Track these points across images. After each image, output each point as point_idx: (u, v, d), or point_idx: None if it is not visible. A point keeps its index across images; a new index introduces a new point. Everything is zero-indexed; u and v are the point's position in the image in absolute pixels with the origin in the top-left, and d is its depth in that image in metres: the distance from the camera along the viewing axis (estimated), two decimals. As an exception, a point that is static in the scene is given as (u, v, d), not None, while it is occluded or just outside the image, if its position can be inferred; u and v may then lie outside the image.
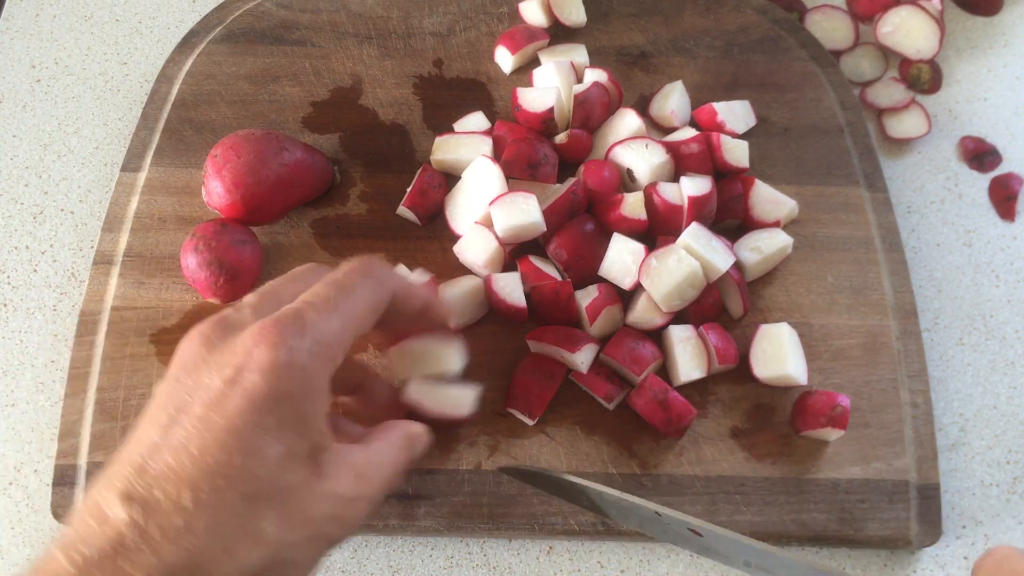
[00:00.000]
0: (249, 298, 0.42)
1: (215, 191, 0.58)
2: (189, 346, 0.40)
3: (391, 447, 0.44)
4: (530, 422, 0.56)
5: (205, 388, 0.37)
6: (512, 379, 0.57)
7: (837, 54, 0.75)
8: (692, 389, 0.57)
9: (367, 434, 0.44)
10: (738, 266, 0.60)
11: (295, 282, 0.44)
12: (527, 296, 0.58)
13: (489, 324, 0.59)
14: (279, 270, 0.61)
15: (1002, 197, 0.69)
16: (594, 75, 0.66)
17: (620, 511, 0.49)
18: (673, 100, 0.66)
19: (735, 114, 0.67)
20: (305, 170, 0.61)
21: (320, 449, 0.39)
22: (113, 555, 0.33)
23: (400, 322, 0.48)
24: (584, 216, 0.60)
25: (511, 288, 0.57)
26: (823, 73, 0.70)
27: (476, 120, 0.67)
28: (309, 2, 0.73)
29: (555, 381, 0.56)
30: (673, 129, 0.66)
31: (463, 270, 0.61)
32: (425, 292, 0.49)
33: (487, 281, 0.58)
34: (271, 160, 0.58)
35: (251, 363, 0.37)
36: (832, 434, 0.55)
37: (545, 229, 0.57)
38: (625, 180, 0.63)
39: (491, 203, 0.57)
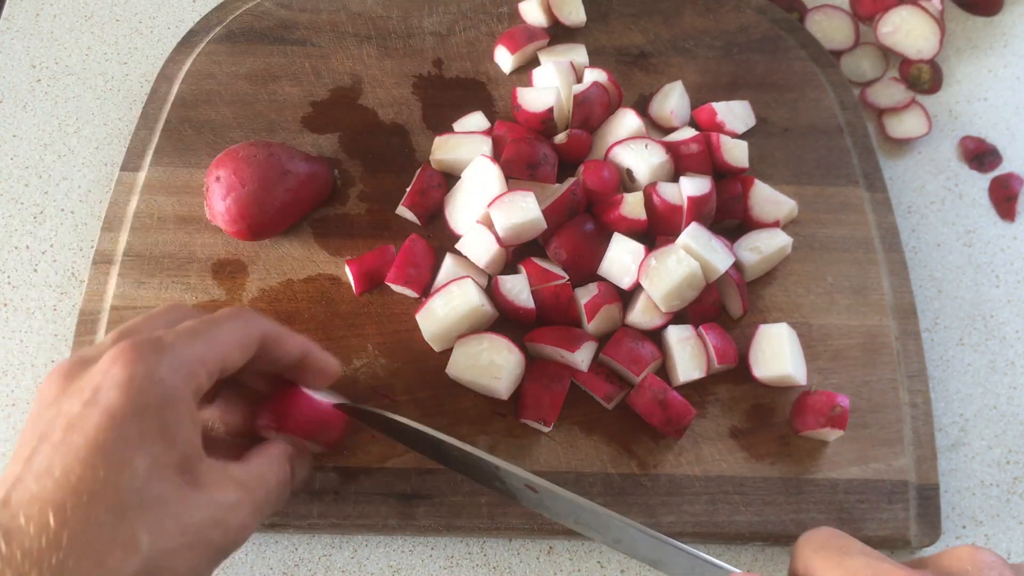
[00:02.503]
0: (109, 335, 0.43)
1: (219, 215, 0.59)
2: (48, 384, 0.40)
3: (271, 461, 0.45)
4: (546, 429, 0.56)
5: (65, 414, 0.37)
6: (520, 389, 0.56)
7: (837, 54, 0.75)
8: (691, 389, 0.57)
9: (245, 454, 0.45)
10: (737, 266, 0.60)
11: (155, 319, 0.44)
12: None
13: (496, 328, 0.59)
14: (279, 270, 0.61)
15: (1002, 197, 0.69)
16: (594, 75, 0.66)
17: (460, 461, 0.49)
18: (673, 100, 0.66)
19: (735, 114, 0.67)
20: (308, 188, 0.61)
21: (193, 460, 0.39)
22: None
23: (278, 368, 0.48)
24: (584, 216, 0.60)
25: (519, 290, 0.57)
26: (823, 73, 0.70)
27: (476, 120, 0.67)
28: (309, 2, 0.73)
29: (563, 384, 0.56)
30: (673, 129, 0.66)
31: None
32: (301, 341, 0.48)
33: (493, 284, 0.58)
34: (276, 187, 0.59)
35: (108, 381, 0.38)
36: (831, 434, 0.55)
37: (545, 226, 0.57)
38: (625, 180, 0.63)
39: (489, 204, 0.57)
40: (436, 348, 0.58)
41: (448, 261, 0.59)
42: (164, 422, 0.38)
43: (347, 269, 0.60)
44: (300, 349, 0.48)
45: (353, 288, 0.60)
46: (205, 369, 0.41)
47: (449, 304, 0.56)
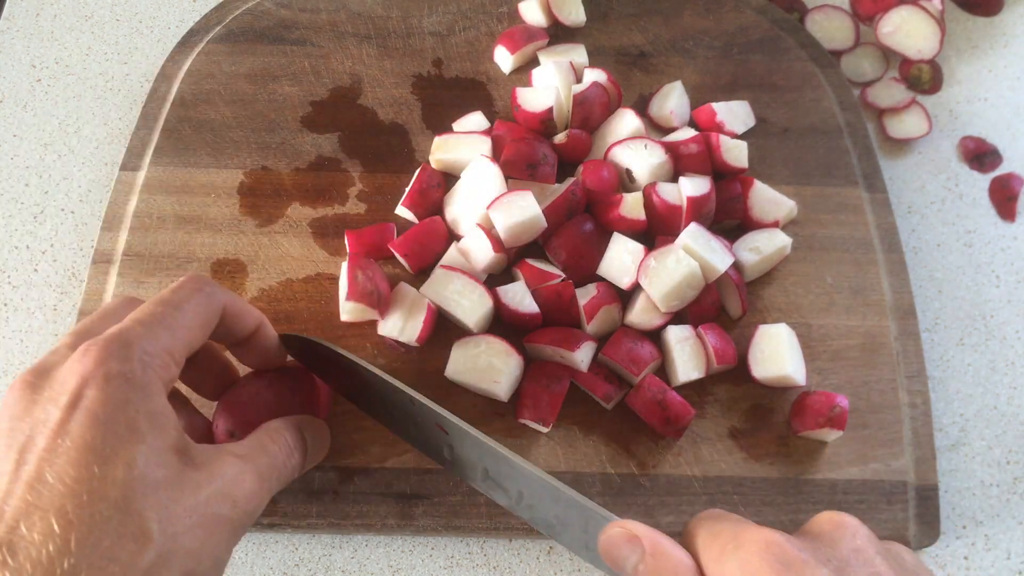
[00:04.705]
0: (63, 340, 0.41)
1: None
2: (12, 396, 0.39)
3: (266, 431, 0.45)
4: (545, 429, 0.56)
5: (43, 422, 0.37)
6: (519, 389, 0.56)
7: (837, 54, 0.75)
8: (690, 389, 0.57)
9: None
10: (737, 266, 0.60)
11: (109, 316, 0.43)
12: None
13: (494, 329, 0.59)
14: (278, 270, 0.61)
15: (1002, 197, 0.69)
16: (593, 75, 0.66)
17: (380, 393, 0.49)
18: (672, 100, 0.66)
19: (734, 114, 0.67)
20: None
21: (185, 443, 0.39)
22: None
23: (231, 341, 0.48)
24: (583, 216, 0.60)
25: (520, 296, 0.57)
26: (823, 73, 0.70)
27: (475, 120, 0.67)
28: (309, 2, 0.73)
29: (563, 384, 0.56)
30: (672, 129, 0.66)
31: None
32: (257, 313, 0.48)
33: (494, 296, 0.57)
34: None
35: (83, 382, 0.37)
36: (830, 435, 0.55)
37: (545, 225, 0.57)
38: (624, 180, 0.63)
39: (489, 206, 0.57)
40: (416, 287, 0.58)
41: (452, 251, 0.60)
42: (150, 412, 0.38)
43: (345, 241, 0.61)
44: (255, 321, 0.48)
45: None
46: (174, 360, 0.41)
47: (459, 292, 0.57)
